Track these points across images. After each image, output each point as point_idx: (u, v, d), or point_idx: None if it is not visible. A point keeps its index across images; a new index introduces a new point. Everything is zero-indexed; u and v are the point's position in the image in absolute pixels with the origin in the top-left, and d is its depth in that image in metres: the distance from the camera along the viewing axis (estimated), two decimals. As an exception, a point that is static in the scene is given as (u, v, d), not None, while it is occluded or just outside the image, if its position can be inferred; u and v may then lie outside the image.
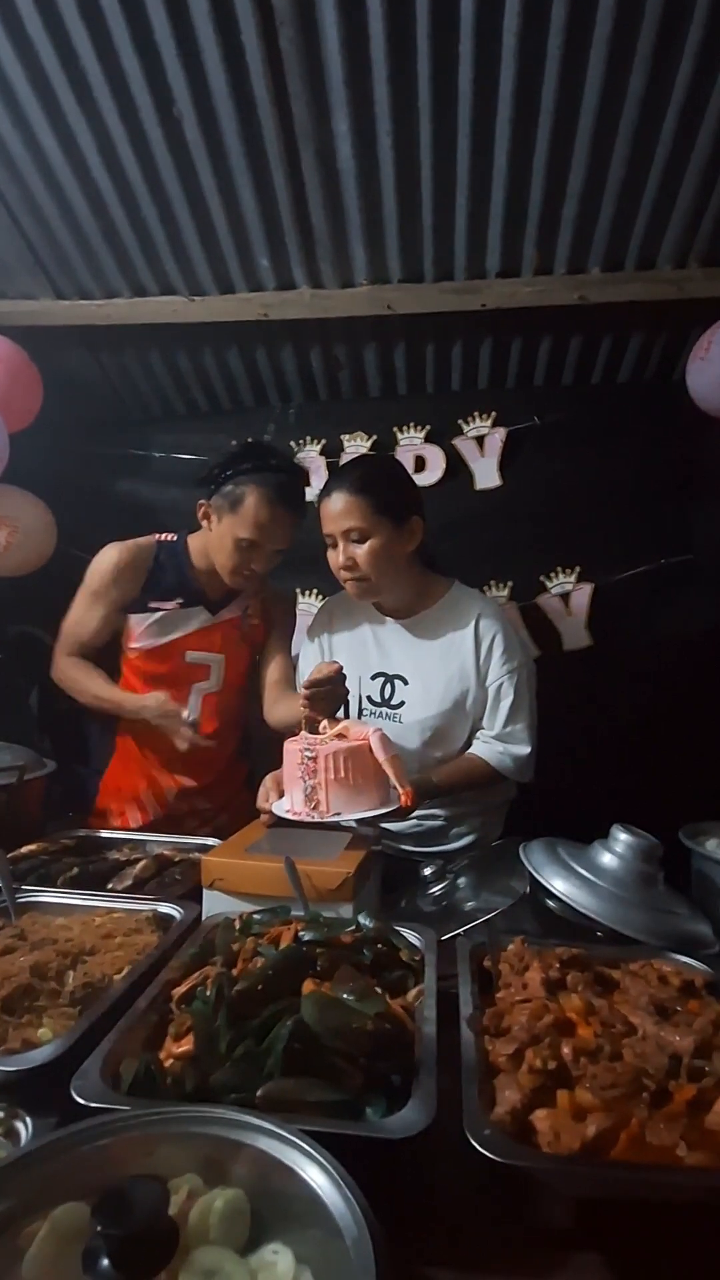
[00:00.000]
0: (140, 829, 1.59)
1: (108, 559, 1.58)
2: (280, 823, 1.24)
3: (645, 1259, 0.60)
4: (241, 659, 1.67)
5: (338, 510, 1.38)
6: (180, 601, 1.59)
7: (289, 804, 1.23)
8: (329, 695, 1.33)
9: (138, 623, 1.58)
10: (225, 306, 1.96)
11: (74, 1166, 0.59)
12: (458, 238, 1.80)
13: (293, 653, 1.74)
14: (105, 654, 1.63)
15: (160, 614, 1.58)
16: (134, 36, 1.45)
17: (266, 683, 1.67)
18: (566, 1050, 0.71)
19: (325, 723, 1.29)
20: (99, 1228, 0.47)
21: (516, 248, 1.82)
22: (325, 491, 1.42)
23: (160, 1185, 0.50)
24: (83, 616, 1.60)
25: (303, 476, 1.58)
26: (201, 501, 1.55)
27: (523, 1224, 0.63)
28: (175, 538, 1.63)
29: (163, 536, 1.63)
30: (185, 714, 1.48)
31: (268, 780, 1.33)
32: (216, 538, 1.52)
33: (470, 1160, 0.60)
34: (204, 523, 1.55)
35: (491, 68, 1.47)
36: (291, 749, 1.22)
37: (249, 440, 1.60)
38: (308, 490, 1.91)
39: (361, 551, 1.38)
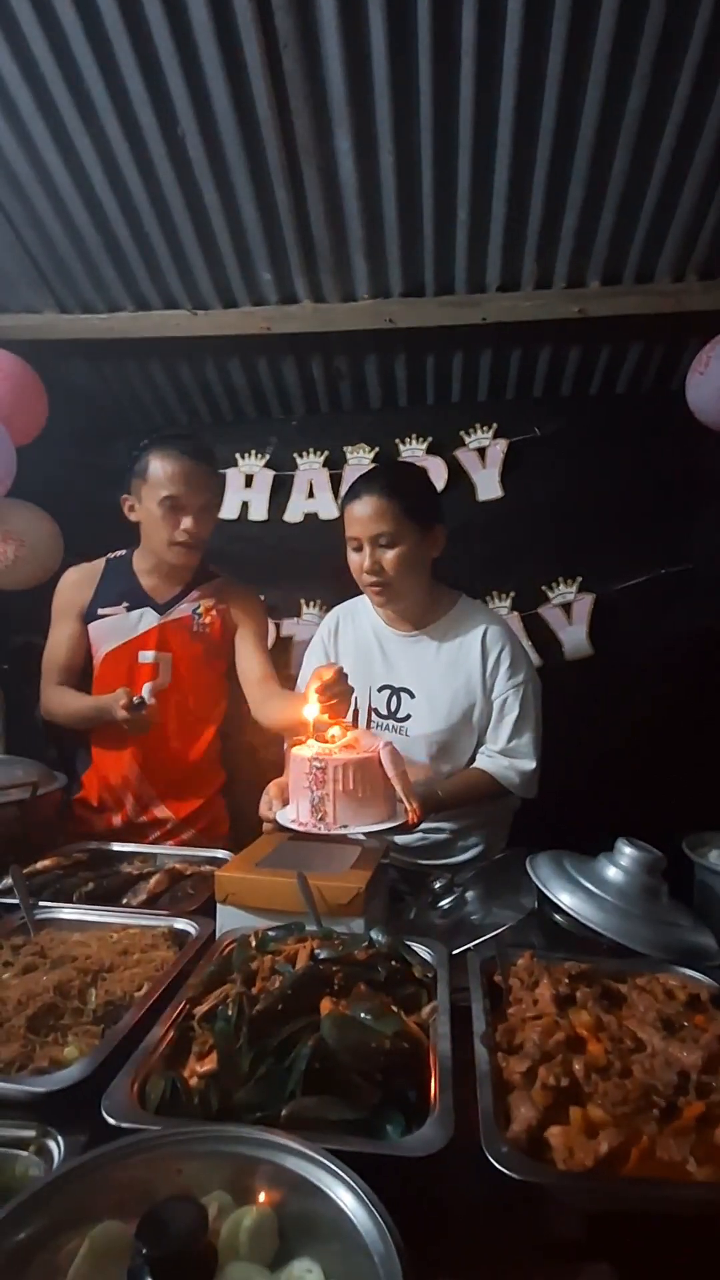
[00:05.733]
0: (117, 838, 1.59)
1: (61, 580, 1.71)
2: (283, 831, 1.25)
3: (655, 1270, 0.62)
4: (194, 657, 1.67)
5: (367, 514, 1.36)
6: (127, 605, 1.66)
7: (294, 814, 1.23)
8: (340, 695, 1.33)
9: (95, 633, 1.66)
10: (227, 320, 1.98)
11: (107, 1185, 0.61)
12: (458, 252, 1.82)
13: (301, 664, 1.73)
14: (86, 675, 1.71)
15: (112, 619, 1.65)
16: (138, 55, 1.46)
17: (249, 681, 1.68)
18: (578, 1067, 0.73)
19: (336, 729, 1.30)
20: (142, 1249, 0.49)
21: (516, 261, 1.83)
22: (353, 494, 1.40)
23: (199, 1207, 0.52)
24: (52, 641, 1.70)
25: (202, 439, 1.65)
26: (124, 496, 1.62)
27: (536, 1236, 0.65)
28: (124, 552, 1.72)
29: (112, 554, 1.73)
30: (119, 695, 1.47)
31: (271, 788, 1.34)
32: (145, 516, 1.59)
33: (485, 1175, 0.63)
34: (130, 515, 1.62)
35: (491, 83, 1.49)
36: (300, 758, 1.21)
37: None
38: (301, 496, 1.99)
39: (389, 557, 1.37)
